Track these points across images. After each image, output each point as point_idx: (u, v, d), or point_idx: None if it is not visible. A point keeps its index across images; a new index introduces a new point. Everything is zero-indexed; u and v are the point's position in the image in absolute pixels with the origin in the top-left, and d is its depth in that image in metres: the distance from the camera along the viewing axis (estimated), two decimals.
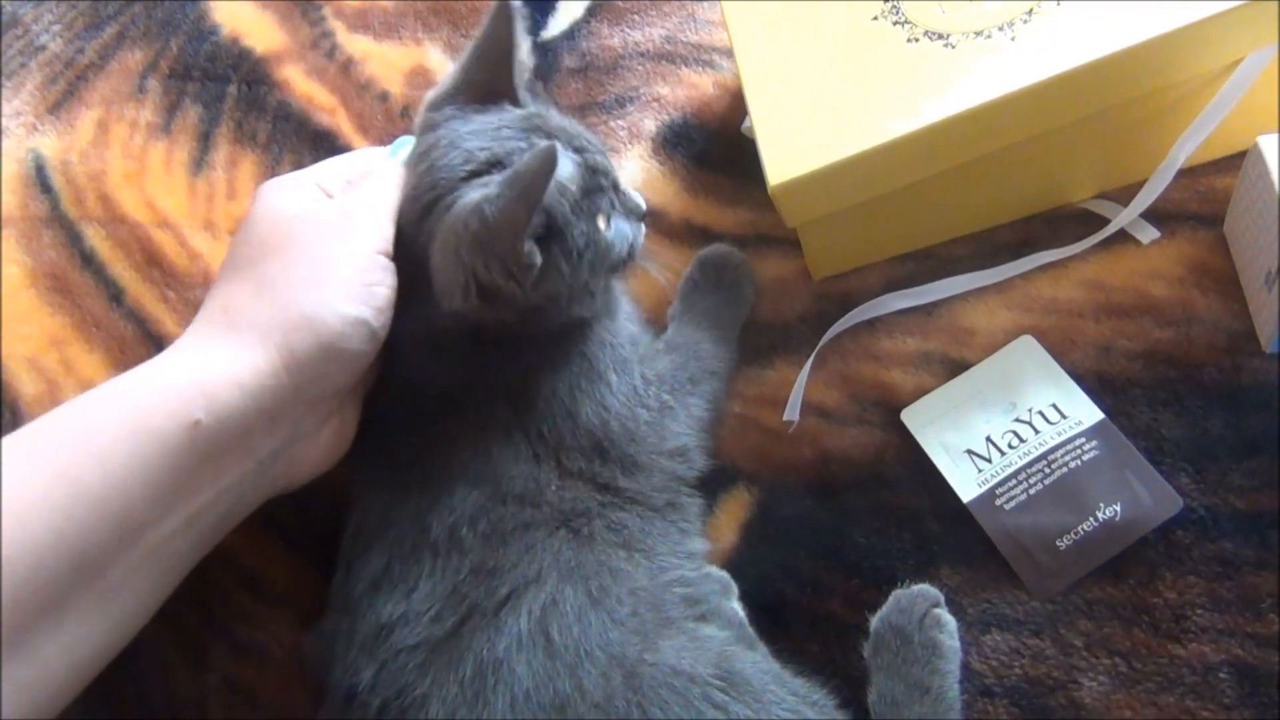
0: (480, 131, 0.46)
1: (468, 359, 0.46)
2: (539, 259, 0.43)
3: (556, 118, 0.48)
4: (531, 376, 0.45)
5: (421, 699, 0.40)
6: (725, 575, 0.47)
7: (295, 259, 0.43)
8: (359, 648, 0.42)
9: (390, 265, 0.44)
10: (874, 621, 0.44)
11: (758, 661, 0.42)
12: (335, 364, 0.43)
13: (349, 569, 0.44)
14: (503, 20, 0.48)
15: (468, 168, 0.44)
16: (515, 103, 0.49)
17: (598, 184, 0.46)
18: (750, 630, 0.45)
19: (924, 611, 0.44)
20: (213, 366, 0.41)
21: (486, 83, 0.48)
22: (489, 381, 0.45)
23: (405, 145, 0.49)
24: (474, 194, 0.43)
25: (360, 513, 0.46)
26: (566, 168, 0.44)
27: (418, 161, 0.46)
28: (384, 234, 0.45)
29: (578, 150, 0.46)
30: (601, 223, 0.46)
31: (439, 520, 0.43)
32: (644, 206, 0.50)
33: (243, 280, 0.44)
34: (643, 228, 0.49)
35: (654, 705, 0.39)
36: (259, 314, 0.42)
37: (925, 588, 0.45)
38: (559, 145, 0.41)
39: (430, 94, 0.50)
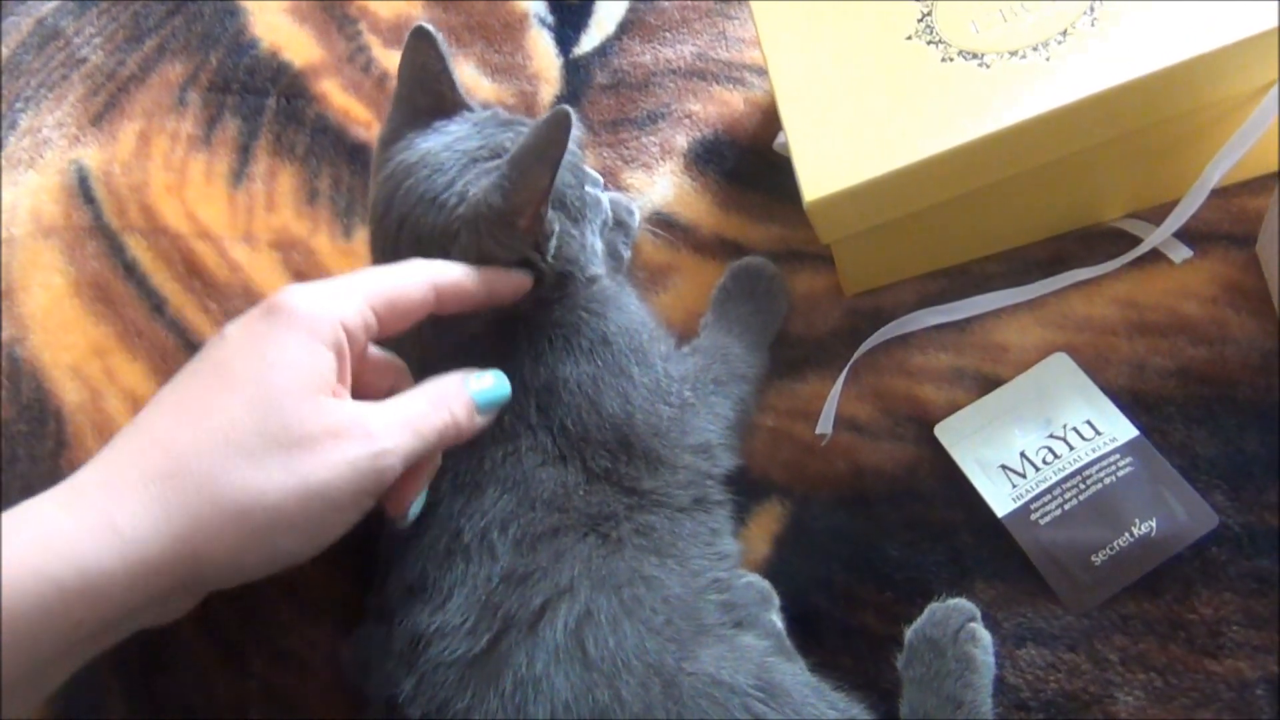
0: (463, 136, 0.48)
1: (495, 363, 0.46)
2: (558, 225, 0.45)
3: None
4: (556, 372, 0.46)
5: (463, 712, 0.40)
6: (766, 585, 0.47)
7: (284, 461, 0.36)
8: (396, 657, 0.42)
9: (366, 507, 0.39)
10: (908, 633, 0.45)
11: (797, 674, 0.42)
12: (239, 580, 0.38)
13: (385, 575, 0.45)
14: (424, 43, 0.50)
15: (475, 162, 0.46)
16: (470, 110, 0.51)
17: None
18: (788, 643, 0.45)
19: (959, 625, 0.44)
20: (115, 553, 0.33)
21: (433, 106, 0.50)
22: (515, 385, 0.46)
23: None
24: (485, 178, 0.45)
25: None
26: (577, 130, 0.45)
27: (405, 176, 0.47)
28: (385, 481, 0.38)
29: None
30: (587, 185, 0.49)
31: (470, 524, 0.43)
32: (600, 179, 0.53)
33: (200, 433, 0.36)
34: (605, 192, 0.53)
35: (693, 715, 0.39)
36: (196, 500, 0.35)
37: (961, 602, 0.45)
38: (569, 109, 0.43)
39: (380, 135, 0.51)
